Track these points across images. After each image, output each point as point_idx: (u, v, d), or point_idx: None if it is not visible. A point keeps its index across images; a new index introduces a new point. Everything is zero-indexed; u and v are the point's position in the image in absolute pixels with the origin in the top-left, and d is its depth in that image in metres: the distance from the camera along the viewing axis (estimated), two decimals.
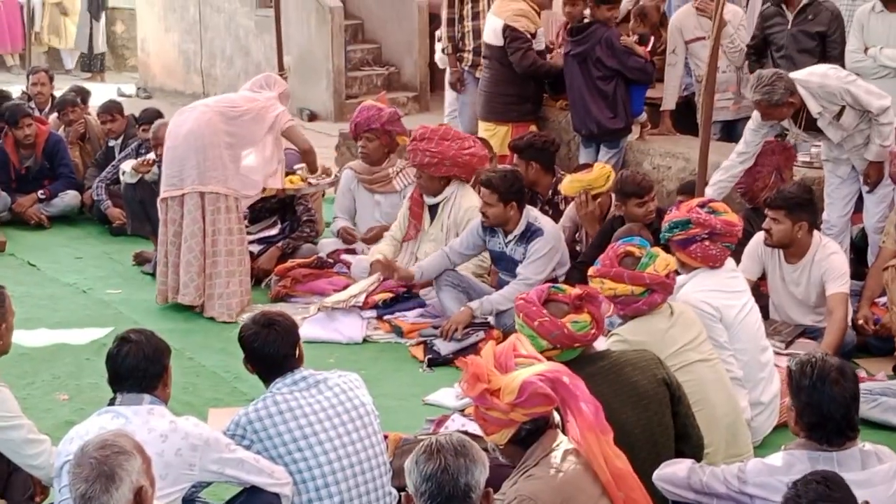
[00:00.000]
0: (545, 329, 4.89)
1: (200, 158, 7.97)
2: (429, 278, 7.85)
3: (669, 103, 9.60)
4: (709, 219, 6.04)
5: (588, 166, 8.36)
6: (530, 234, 7.60)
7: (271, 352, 4.87)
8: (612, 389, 4.84)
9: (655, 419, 4.96)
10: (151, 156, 9.16)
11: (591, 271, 5.62)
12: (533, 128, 9.66)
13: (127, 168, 9.25)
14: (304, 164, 8.80)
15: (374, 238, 8.77)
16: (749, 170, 7.78)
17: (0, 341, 5.16)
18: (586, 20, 9.27)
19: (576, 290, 5.07)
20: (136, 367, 4.53)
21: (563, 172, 8.59)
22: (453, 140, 8.27)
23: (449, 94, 10.85)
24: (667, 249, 5.94)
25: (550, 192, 8.55)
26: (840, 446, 4.20)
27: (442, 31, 10.48)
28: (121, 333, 4.71)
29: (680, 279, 5.88)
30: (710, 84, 7.61)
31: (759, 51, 9.05)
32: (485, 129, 9.69)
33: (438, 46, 10.96)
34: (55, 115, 11.22)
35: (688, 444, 5.05)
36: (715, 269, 6.08)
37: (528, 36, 9.52)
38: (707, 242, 6.04)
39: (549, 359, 4.66)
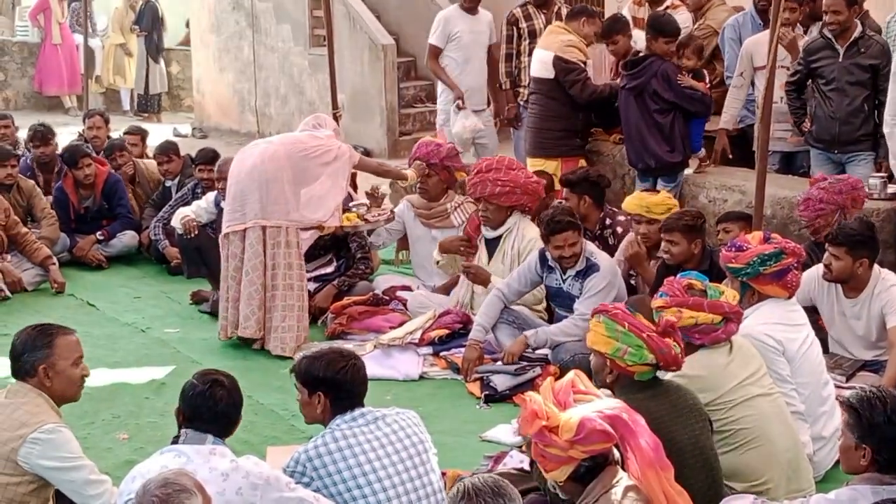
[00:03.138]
0: (655, 344, 5.00)
1: (263, 192, 8.03)
2: (491, 324, 7.81)
3: (728, 123, 9.52)
4: (798, 247, 6.07)
5: (654, 191, 8.38)
6: (587, 269, 7.58)
7: (356, 386, 4.93)
8: (660, 406, 4.89)
9: (701, 434, 5.07)
10: (204, 202, 9.25)
11: (660, 302, 5.58)
12: (582, 162, 9.63)
13: (176, 225, 9.29)
14: (361, 203, 8.79)
15: (445, 289, 8.79)
16: (812, 205, 7.72)
17: (50, 383, 5.14)
18: (641, 53, 9.26)
19: (665, 319, 5.22)
20: (226, 414, 4.59)
21: (614, 209, 8.57)
22: (518, 169, 8.40)
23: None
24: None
25: (598, 227, 8.53)
26: None
27: (500, 67, 10.54)
28: (210, 375, 4.71)
29: None
30: (767, 115, 7.57)
31: (801, 85, 8.96)
32: (532, 164, 9.60)
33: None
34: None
35: None
36: (779, 301, 6.06)
37: (581, 66, 9.52)
38: (796, 271, 6.07)
39: (629, 375, 4.83)
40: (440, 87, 11.23)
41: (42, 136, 11.12)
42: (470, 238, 8.51)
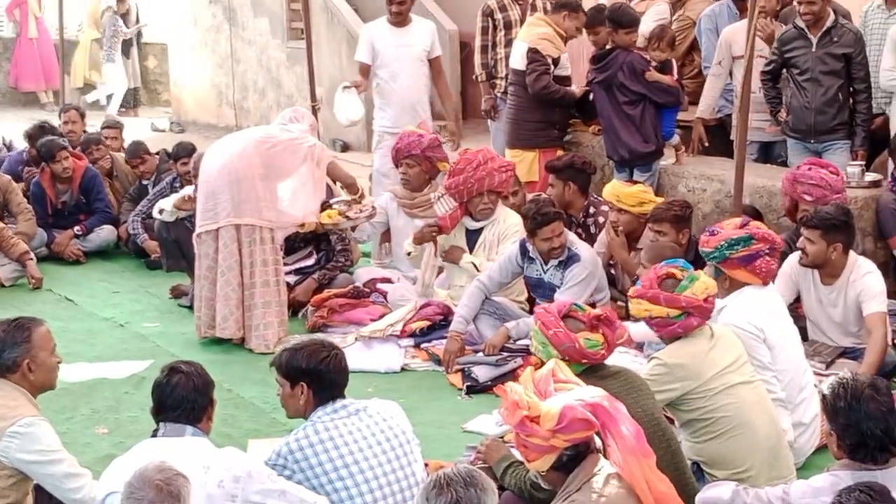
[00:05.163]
0: (558, 340, 5.09)
1: (234, 191, 7.97)
2: (472, 315, 7.80)
3: (704, 112, 9.53)
4: (770, 234, 6.06)
5: (631, 182, 8.46)
6: (568, 259, 7.59)
7: (338, 376, 4.92)
8: (609, 385, 4.92)
9: (653, 407, 5.16)
10: (190, 189, 9.07)
11: (630, 291, 5.64)
12: (560, 153, 9.63)
13: (166, 206, 9.15)
14: (341, 199, 8.73)
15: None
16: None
17: (33, 376, 5.14)
18: (608, 46, 9.24)
19: (595, 311, 5.29)
20: (186, 399, 4.58)
21: (598, 198, 8.57)
22: (493, 156, 8.47)
23: None
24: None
25: (583, 215, 8.54)
26: (884, 463, 4.23)
27: (475, 59, 10.49)
28: (170, 364, 4.75)
29: (720, 301, 5.85)
30: (745, 104, 7.58)
31: (776, 75, 8.98)
32: (511, 156, 9.58)
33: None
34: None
35: None
36: (760, 288, 6.08)
37: (548, 60, 9.46)
38: (769, 257, 6.06)
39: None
40: (376, 100, 10.29)
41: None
42: (440, 225, 8.46)
